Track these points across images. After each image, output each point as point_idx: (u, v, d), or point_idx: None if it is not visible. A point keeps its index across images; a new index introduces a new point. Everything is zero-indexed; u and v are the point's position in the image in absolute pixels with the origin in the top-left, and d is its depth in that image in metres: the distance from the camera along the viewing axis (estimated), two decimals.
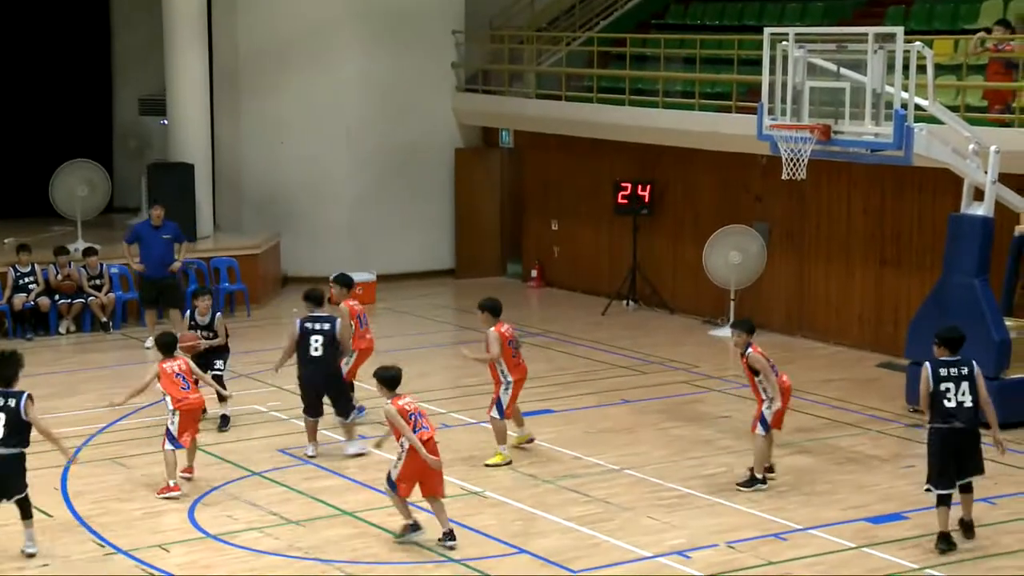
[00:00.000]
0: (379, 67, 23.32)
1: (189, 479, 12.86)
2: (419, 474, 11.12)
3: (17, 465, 10.83)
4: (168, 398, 12.56)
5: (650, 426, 15.07)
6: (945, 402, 11.17)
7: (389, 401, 11.14)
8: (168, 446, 12.52)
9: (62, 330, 19.51)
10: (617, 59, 22.33)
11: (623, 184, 21.33)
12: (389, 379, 11.26)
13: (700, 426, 15.07)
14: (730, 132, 18.67)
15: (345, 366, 14.59)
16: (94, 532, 11.64)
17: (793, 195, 19.09)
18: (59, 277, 19.54)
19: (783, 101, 14.99)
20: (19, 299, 19.22)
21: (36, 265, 19.48)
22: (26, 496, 10.92)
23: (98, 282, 19.79)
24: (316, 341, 13.60)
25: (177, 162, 21.81)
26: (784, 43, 14.91)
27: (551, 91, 22.56)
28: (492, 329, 13.55)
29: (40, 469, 13.10)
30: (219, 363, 14.62)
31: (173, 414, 12.54)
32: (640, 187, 21.22)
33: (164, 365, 12.62)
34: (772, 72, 15.07)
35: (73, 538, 11.53)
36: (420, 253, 23.98)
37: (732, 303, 19.67)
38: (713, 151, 19.76)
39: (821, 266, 19.20)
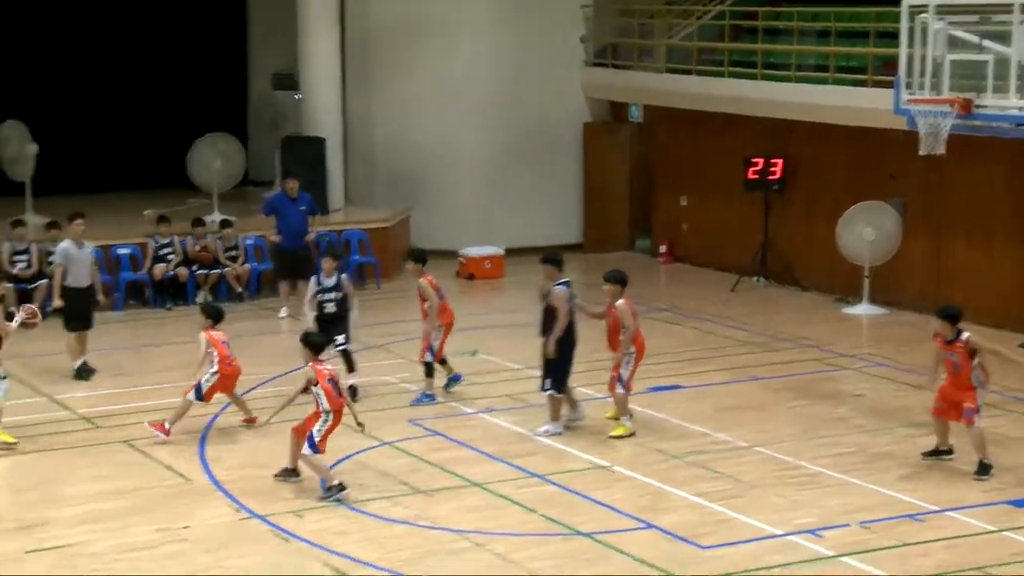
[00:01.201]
0: (508, 41, 23.30)
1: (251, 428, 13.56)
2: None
3: None
4: (216, 360, 13.29)
5: (780, 403, 14.86)
6: None
7: (310, 364, 11.78)
8: (191, 396, 13.31)
9: (199, 299, 19.85)
10: (749, 32, 22.00)
11: (754, 160, 21.02)
12: (317, 345, 11.97)
13: (832, 404, 14.81)
14: (865, 106, 18.26)
15: (435, 342, 14.63)
16: (230, 496, 11.85)
17: (931, 171, 18.61)
18: (196, 248, 19.91)
19: (922, 75, 14.64)
20: (159, 269, 19.65)
21: (175, 236, 19.88)
22: None
23: (233, 253, 20.13)
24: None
25: (310, 136, 22.07)
26: (924, 15, 14.53)
27: (681, 65, 22.31)
28: (622, 302, 13.50)
29: (178, 436, 13.44)
30: (340, 338, 14.67)
31: (214, 375, 13.28)
32: (771, 162, 20.90)
33: (212, 333, 13.40)
34: (910, 45, 14.72)
35: (211, 502, 11.75)
36: (548, 227, 23.91)
37: (866, 280, 19.29)
38: (847, 126, 19.37)
39: (960, 243, 18.72)
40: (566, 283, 13.46)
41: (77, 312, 15.74)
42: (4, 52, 23.69)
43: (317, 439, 11.68)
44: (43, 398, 14.88)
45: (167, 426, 13.29)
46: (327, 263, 14.91)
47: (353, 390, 14.69)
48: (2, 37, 23.71)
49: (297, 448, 11.85)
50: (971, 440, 12.46)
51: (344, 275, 15.00)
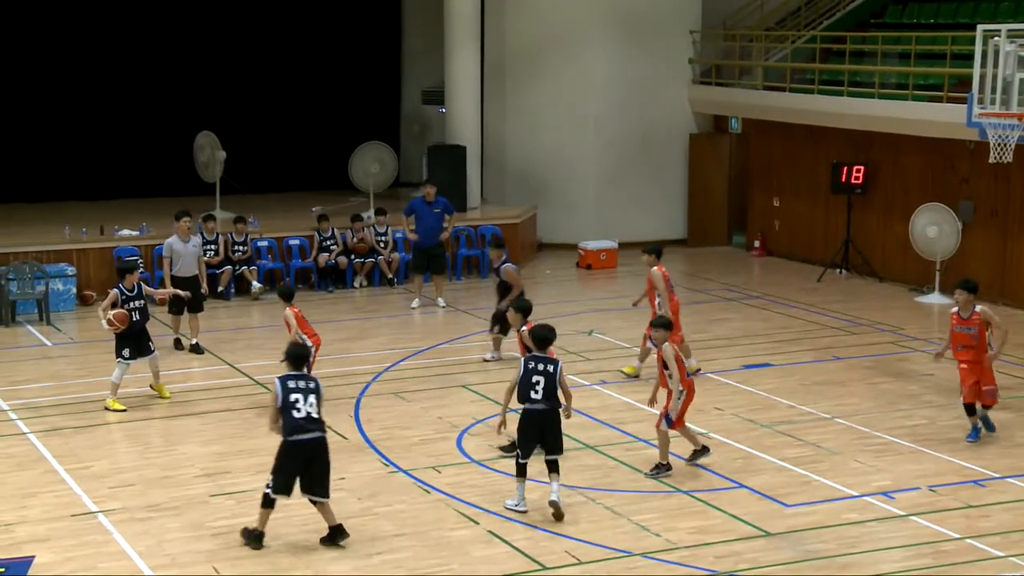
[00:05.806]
0: (624, 62, 23.16)
1: None
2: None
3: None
4: (305, 335, 12.99)
5: (860, 380, 14.58)
6: None
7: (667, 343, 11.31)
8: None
9: (356, 284, 20.13)
10: (837, 55, 21.57)
11: (840, 166, 20.65)
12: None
13: (906, 382, 14.49)
14: (940, 120, 17.81)
15: None
16: (380, 453, 12.02)
17: (998, 177, 18.09)
18: (354, 240, 20.18)
19: (993, 91, 14.20)
20: (323, 258, 19.97)
21: (336, 230, 20.18)
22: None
23: (384, 239, 20.30)
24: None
25: (452, 144, 22.22)
26: (996, 39, 14.10)
27: (776, 83, 21.97)
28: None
29: (337, 400, 13.68)
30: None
31: (310, 346, 12.87)
32: (855, 168, 20.50)
33: (294, 311, 13.12)
34: (983, 65, 14.28)
35: (364, 458, 11.94)
36: (657, 224, 23.75)
37: (938, 273, 18.83)
38: (923, 137, 18.89)
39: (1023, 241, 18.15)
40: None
41: (179, 298, 15.17)
42: (201, 76, 24.30)
43: (674, 416, 11.29)
44: (226, 366, 15.24)
45: None
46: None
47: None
48: (200, 64, 24.32)
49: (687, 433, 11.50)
50: None
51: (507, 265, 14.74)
